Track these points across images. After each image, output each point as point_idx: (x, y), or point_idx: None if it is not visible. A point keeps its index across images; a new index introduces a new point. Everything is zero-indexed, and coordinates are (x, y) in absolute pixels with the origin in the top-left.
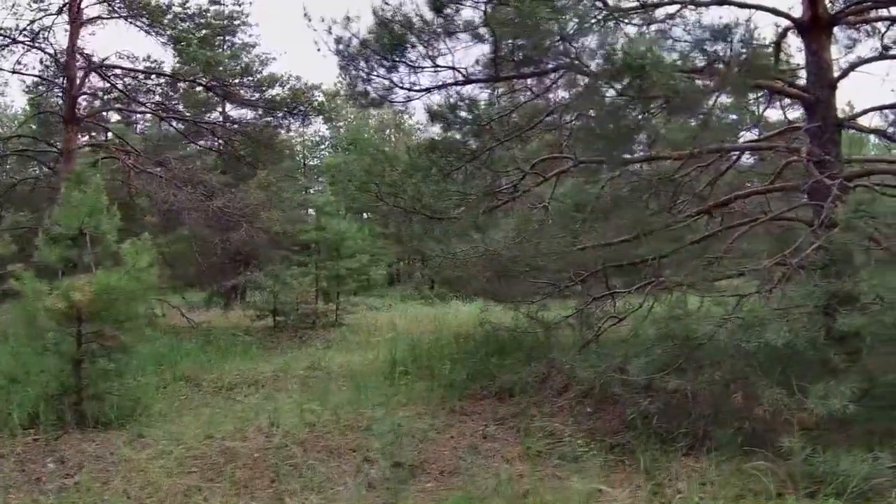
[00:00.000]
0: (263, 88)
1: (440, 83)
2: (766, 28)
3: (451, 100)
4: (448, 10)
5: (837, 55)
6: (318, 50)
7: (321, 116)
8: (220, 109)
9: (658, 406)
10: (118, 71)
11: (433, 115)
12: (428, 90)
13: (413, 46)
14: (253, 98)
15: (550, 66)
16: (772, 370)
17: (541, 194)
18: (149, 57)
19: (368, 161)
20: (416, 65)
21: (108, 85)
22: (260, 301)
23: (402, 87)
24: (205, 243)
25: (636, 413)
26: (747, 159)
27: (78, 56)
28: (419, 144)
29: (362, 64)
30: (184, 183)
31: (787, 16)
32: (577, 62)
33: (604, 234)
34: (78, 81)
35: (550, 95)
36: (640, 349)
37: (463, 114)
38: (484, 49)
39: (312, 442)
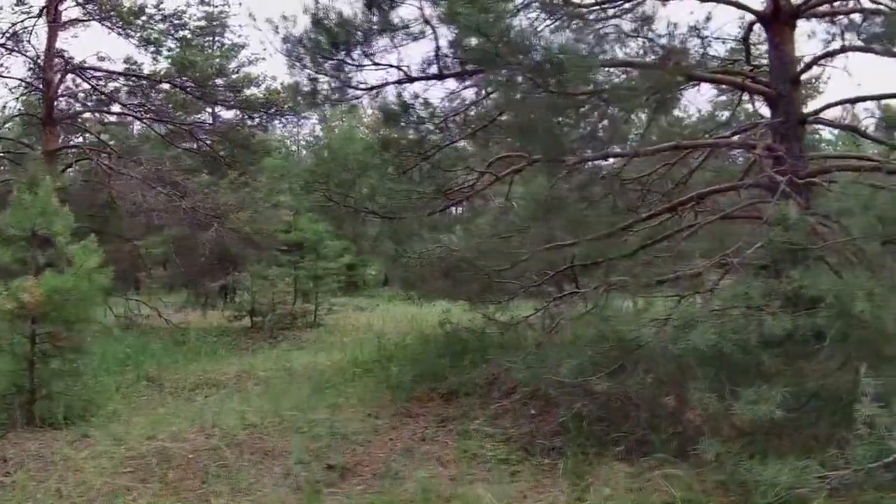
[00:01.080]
0: (238, 89)
1: (384, 81)
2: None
3: (402, 98)
4: (382, 7)
5: (815, 49)
6: (265, 49)
7: (294, 115)
8: (209, 111)
9: (591, 409)
10: (99, 73)
11: (387, 115)
12: (373, 88)
13: (353, 45)
14: (228, 99)
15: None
16: (706, 373)
17: (503, 193)
18: (129, 59)
19: (314, 161)
20: (358, 63)
21: (89, 87)
22: (247, 301)
23: (349, 87)
24: (190, 244)
25: (567, 416)
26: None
27: (57, 58)
28: (372, 143)
29: (308, 62)
30: (156, 183)
31: (749, 9)
32: (499, 59)
33: (540, 234)
34: (55, 83)
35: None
36: (575, 351)
37: (416, 112)
38: (428, 46)
39: (250, 443)
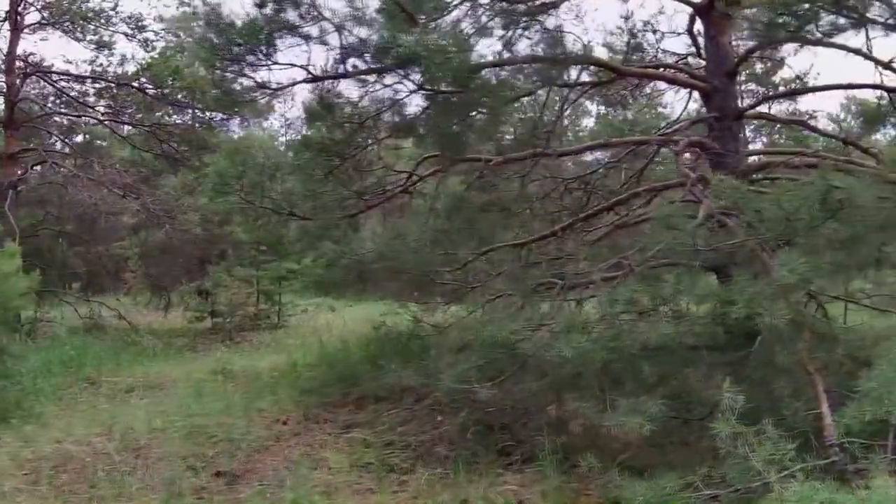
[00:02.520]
0: (193, 90)
1: (292, 81)
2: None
3: (323, 98)
4: (269, 9)
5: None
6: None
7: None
8: (189, 111)
9: (480, 417)
10: (66, 76)
11: (309, 114)
12: (282, 88)
13: (253, 46)
14: (183, 100)
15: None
16: (588, 382)
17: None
18: (93, 61)
19: (225, 164)
20: (265, 64)
21: (54, 90)
22: (207, 303)
23: (262, 87)
24: (160, 246)
25: (452, 425)
26: None
27: (20, 62)
28: (292, 144)
29: (216, 63)
30: (107, 185)
31: (686, 0)
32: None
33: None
34: (16, 86)
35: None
36: (463, 357)
37: (339, 112)
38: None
39: (149, 448)
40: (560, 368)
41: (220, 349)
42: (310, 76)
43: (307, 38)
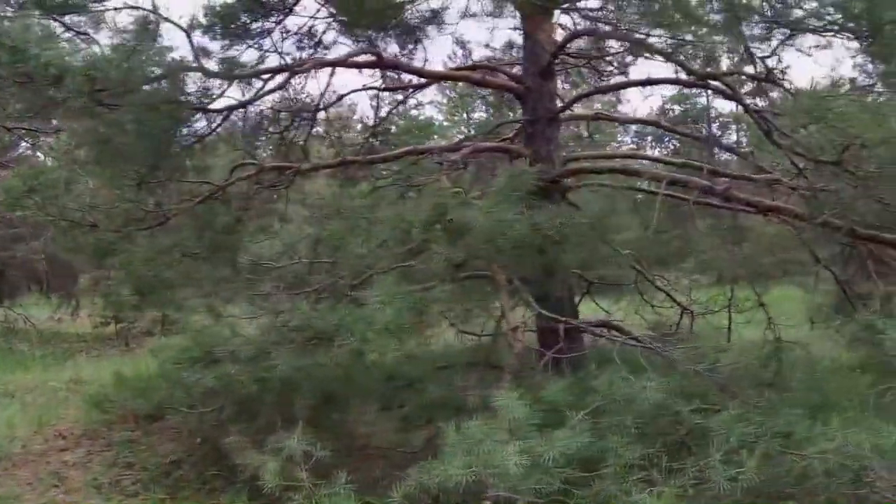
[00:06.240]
0: None
1: None
2: None
3: None
4: None
5: None
6: None
7: None
8: None
9: (212, 441)
10: None
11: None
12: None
13: None
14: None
15: None
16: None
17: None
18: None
19: (14, 181)
20: None
21: None
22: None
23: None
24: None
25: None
26: None
27: None
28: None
29: None
30: None
31: None
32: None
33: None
34: None
35: None
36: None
37: None
38: None
39: None
40: (226, 397)
41: (107, 355)
42: None
43: None
